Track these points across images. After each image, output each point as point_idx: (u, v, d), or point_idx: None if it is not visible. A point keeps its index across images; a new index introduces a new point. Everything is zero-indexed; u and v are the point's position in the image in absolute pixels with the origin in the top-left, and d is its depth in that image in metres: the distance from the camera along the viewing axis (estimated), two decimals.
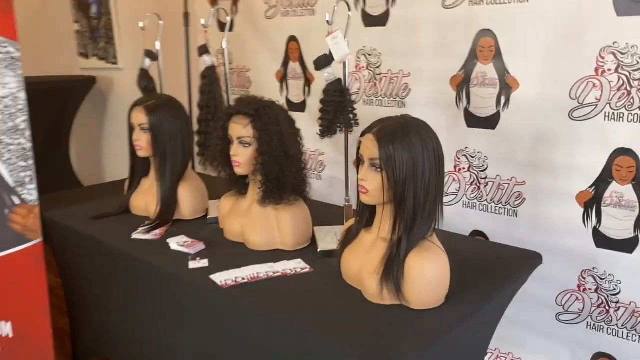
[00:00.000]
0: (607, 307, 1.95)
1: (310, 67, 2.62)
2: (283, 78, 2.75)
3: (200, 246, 1.74)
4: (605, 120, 1.83)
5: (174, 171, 1.97)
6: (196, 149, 2.06)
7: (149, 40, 3.17)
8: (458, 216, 2.24)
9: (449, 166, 2.24)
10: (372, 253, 1.40)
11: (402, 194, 1.30)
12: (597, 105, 1.83)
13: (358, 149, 1.41)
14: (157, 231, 1.91)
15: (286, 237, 1.70)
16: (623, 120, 1.80)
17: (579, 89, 1.86)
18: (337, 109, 1.56)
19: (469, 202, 2.23)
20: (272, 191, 1.68)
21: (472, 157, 2.17)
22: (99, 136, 4.21)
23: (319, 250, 1.67)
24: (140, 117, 1.95)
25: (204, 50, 1.99)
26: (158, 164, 1.97)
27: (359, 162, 1.43)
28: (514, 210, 2.10)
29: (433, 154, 1.32)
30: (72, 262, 2.10)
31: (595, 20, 1.79)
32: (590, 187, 1.90)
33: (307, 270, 1.57)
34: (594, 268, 1.95)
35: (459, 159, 2.21)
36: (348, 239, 1.51)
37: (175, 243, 1.75)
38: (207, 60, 2.00)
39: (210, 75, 2.00)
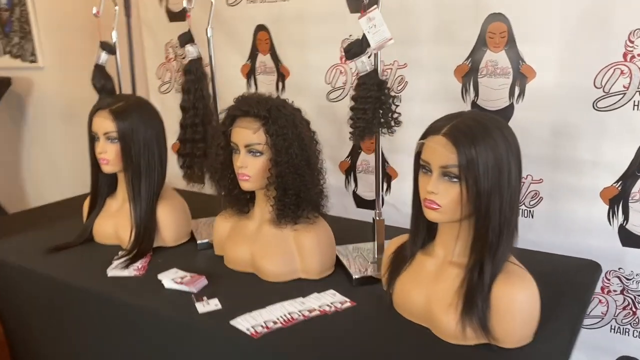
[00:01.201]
0: (633, 309, 1.83)
1: (285, 59, 2.33)
2: (250, 73, 2.43)
3: (203, 281, 1.41)
4: (634, 109, 1.68)
5: (150, 188, 1.62)
6: (177, 160, 1.70)
7: (72, 35, 2.74)
8: None
9: None
10: (443, 282, 1.15)
11: (487, 207, 1.06)
12: (625, 93, 1.68)
13: (418, 154, 1.15)
14: (138, 264, 1.54)
15: (310, 263, 1.41)
16: None
17: (605, 76, 1.70)
18: (375, 106, 1.28)
19: None
20: (290, 208, 1.37)
21: None
22: (17, 149, 3.64)
23: (354, 277, 1.39)
24: (106, 124, 1.57)
25: (187, 38, 1.63)
26: (131, 181, 1.61)
27: (417, 170, 1.17)
28: (530, 211, 1.93)
29: (516, 156, 1.09)
30: (20, 308, 1.68)
31: (619, 3, 1.63)
32: (617, 182, 1.75)
33: (348, 304, 1.29)
34: (619, 268, 1.81)
35: None
36: (399, 263, 1.25)
37: (170, 280, 1.41)
38: (191, 51, 1.64)
39: (196, 70, 1.64)
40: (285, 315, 1.24)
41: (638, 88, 1.66)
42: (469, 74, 1.92)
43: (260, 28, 2.35)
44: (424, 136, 1.13)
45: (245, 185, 1.39)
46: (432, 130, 1.12)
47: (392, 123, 1.33)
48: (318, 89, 2.23)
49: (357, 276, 1.39)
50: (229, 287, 1.40)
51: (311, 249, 1.40)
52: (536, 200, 1.91)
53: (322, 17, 2.18)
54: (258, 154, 1.36)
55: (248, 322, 1.21)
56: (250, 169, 1.37)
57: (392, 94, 1.34)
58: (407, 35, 2.00)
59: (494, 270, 1.08)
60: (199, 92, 1.61)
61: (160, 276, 1.44)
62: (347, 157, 2.30)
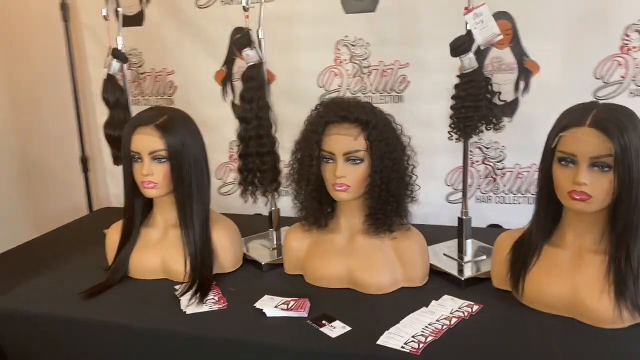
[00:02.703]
0: None
1: (269, 63, 2.19)
2: (226, 79, 2.27)
3: (308, 304, 1.28)
4: (630, 97, 1.86)
5: (202, 211, 1.44)
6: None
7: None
8: (471, 212, 2.10)
9: (458, 161, 2.08)
10: (586, 271, 1.17)
11: (637, 193, 1.10)
12: (622, 83, 1.85)
13: (554, 147, 1.16)
14: (213, 297, 1.37)
15: (414, 271, 1.36)
16: None
17: (604, 68, 1.86)
18: (485, 103, 1.27)
19: (483, 196, 2.11)
20: (389, 217, 1.31)
21: (487, 149, 2.05)
22: None
23: (463, 279, 1.36)
24: (153, 142, 1.36)
25: (245, 41, 1.47)
26: (182, 204, 1.41)
27: (548, 163, 1.18)
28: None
29: None
30: None
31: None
32: None
33: (477, 307, 1.26)
34: None
35: (471, 152, 2.06)
36: (525, 258, 1.24)
37: (274, 307, 1.26)
38: (252, 55, 1.47)
39: (258, 76, 1.47)
40: (428, 327, 1.18)
41: (633, 77, 1.84)
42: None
43: (239, 31, 2.21)
44: (562, 129, 1.14)
45: (343, 196, 1.30)
46: (571, 122, 1.13)
47: (494, 120, 1.32)
48: (309, 93, 2.15)
49: (465, 278, 1.37)
50: (334, 306, 1.29)
51: (414, 256, 1.35)
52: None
53: (313, 18, 2.10)
54: (358, 161, 1.28)
55: (396, 340, 1.13)
56: (350, 178, 1.27)
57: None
58: (408, 35, 2.02)
59: (639, 253, 1.13)
60: (262, 100, 1.45)
61: (260, 305, 1.28)
62: None
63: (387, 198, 1.30)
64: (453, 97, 1.33)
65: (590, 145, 1.10)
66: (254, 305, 1.29)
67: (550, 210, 1.21)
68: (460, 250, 1.48)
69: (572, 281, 1.18)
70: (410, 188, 1.33)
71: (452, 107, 1.33)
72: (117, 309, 1.35)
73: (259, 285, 1.42)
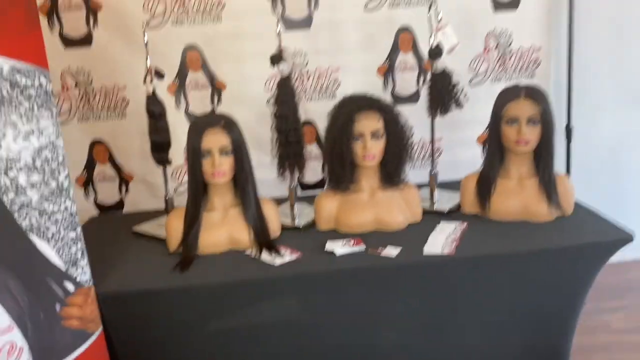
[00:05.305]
0: None
1: (220, 74, 2.60)
2: (179, 90, 2.60)
3: (360, 240, 1.80)
4: (491, 83, 2.69)
5: (255, 190, 1.84)
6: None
7: None
8: None
9: None
10: (528, 190, 1.89)
11: (553, 138, 1.84)
12: (485, 74, 2.68)
13: (502, 114, 1.84)
14: (285, 250, 1.79)
15: (418, 211, 1.95)
16: (501, 82, 2.70)
17: (475, 63, 2.66)
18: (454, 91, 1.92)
19: None
20: (400, 175, 1.89)
21: None
22: None
23: (445, 212, 1.99)
24: (222, 139, 1.73)
25: (281, 57, 1.87)
26: (242, 187, 1.80)
27: (497, 124, 1.87)
28: (436, 161, 2.77)
29: None
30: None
31: (479, 15, 2.61)
32: (486, 129, 2.73)
33: (465, 224, 1.91)
34: None
35: None
36: (486, 189, 1.92)
37: (341, 247, 1.74)
38: (285, 68, 1.89)
39: (291, 84, 1.89)
40: (447, 239, 1.78)
41: (492, 70, 2.67)
42: (388, 71, 2.64)
43: (190, 48, 2.55)
44: (506, 102, 1.83)
45: (371, 163, 1.83)
46: (511, 97, 1.82)
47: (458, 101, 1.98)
48: (257, 97, 2.59)
49: (446, 211, 2.01)
50: (376, 242, 1.82)
51: (417, 201, 1.95)
52: (439, 153, 2.77)
53: (257, 35, 2.54)
54: (380, 137, 1.83)
55: (435, 249, 1.72)
56: (375, 150, 1.82)
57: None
58: (338, 45, 2.59)
59: (553, 173, 1.88)
60: (294, 102, 1.90)
61: (329, 248, 1.75)
62: None
63: (399, 162, 1.87)
64: (431, 88, 1.95)
65: (527, 110, 1.81)
66: (325, 250, 1.76)
67: (497, 156, 1.90)
68: (432, 195, 2.13)
69: (520, 197, 1.90)
70: (410, 154, 1.91)
71: (430, 94, 1.96)
72: (213, 274, 1.69)
73: (307, 240, 1.88)
